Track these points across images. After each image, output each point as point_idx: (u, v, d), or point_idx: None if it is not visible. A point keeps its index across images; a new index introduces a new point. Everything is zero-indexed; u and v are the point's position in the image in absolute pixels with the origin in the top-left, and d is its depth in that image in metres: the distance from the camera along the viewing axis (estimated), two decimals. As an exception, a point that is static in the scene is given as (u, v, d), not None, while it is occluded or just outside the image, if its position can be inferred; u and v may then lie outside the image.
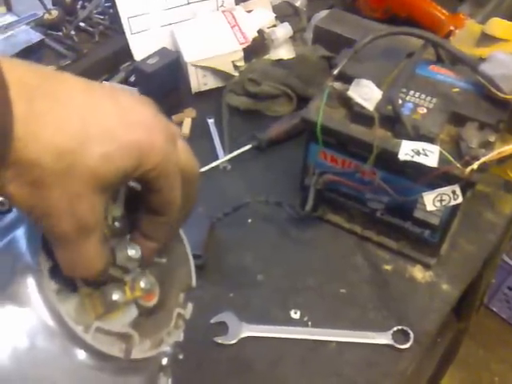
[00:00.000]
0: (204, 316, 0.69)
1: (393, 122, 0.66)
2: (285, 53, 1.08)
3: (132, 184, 0.37)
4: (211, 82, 1.04)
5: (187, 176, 0.35)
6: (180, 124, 0.97)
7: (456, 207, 0.68)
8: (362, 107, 0.68)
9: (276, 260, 0.78)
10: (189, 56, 1.01)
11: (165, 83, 0.96)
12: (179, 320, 0.40)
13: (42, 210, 0.29)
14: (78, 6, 1.17)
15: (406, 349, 0.68)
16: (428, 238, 0.74)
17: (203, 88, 1.04)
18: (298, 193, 0.81)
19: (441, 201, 0.64)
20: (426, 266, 0.77)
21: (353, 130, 0.69)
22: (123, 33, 1.05)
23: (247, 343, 0.69)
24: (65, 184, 0.29)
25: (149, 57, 0.96)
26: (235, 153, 0.91)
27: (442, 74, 0.73)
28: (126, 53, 1.06)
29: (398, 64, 0.74)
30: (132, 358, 0.35)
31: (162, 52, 0.98)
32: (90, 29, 1.14)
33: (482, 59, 0.70)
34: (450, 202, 0.64)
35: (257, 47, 1.05)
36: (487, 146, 0.63)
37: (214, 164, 0.89)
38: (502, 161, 0.65)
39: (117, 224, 0.37)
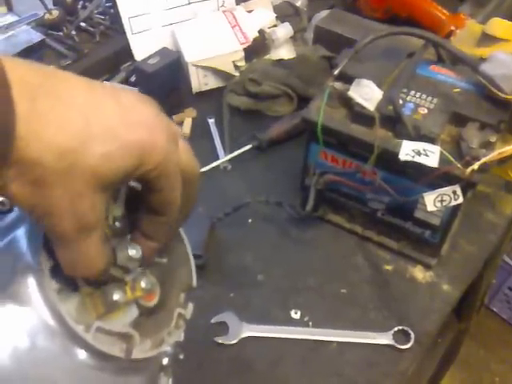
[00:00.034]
0: (204, 316, 0.69)
1: (393, 122, 0.66)
2: (285, 53, 1.08)
3: (132, 184, 0.37)
4: (212, 82, 1.04)
5: (188, 176, 0.35)
6: (180, 124, 0.97)
7: (457, 207, 0.68)
8: (363, 107, 0.68)
9: (276, 260, 0.78)
10: (189, 56, 1.01)
11: (165, 83, 0.96)
12: (180, 320, 0.40)
13: (43, 209, 0.29)
14: (79, 6, 1.17)
15: (406, 349, 0.68)
16: (429, 238, 0.74)
17: (204, 88, 1.04)
18: (298, 193, 0.81)
19: (441, 201, 0.64)
20: (427, 267, 0.76)
21: (353, 130, 0.69)
22: (124, 33, 1.05)
23: (248, 343, 0.69)
24: (66, 183, 0.29)
25: (149, 57, 0.96)
26: (236, 153, 0.91)
27: (443, 74, 0.73)
28: (126, 53, 1.06)
29: (398, 64, 0.74)
30: (133, 357, 0.35)
31: (163, 52, 0.98)
32: (91, 29, 1.14)
33: (482, 59, 0.70)
34: (450, 202, 0.64)
35: (257, 47, 1.05)
36: (488, 146, 0.63)
37: (214, 164, 0.89)
38: (503, 161, 0.65)
39: (117, 224, 0.37)
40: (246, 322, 0.70)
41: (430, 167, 0.62)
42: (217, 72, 1.03)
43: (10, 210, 0.29)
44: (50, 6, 1.15)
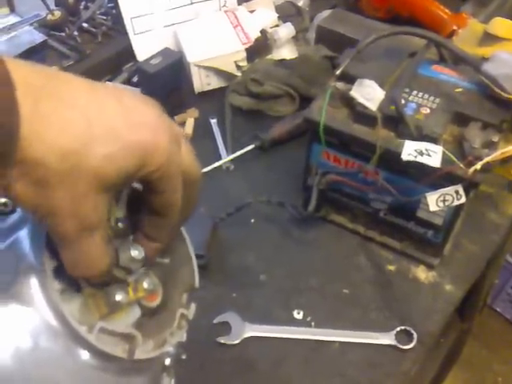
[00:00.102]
0: (207, 316, 0.69)
1: (396, 122, 0.66)
2: (287, 53, 1.08)
3: (134, 185, 0.37)
4: (214, 82, 1.04)
5: (189, 178, 0.35)
6: (183, 124, 0.97)
7: (459, 207, 0.68)
8: (365, 107, 0.68)
9: (279, 260, 0.78)
10: (192, 56, 1.01)
11: (168, 83, 0.96)
12: (182, 320, 0.41)
13: (46, 209, 0.29)
14: (81, 7, 1.17)
15: (409, 349, 0.68)
16: (431, 238, 0.74)
17: (206, 88, 1.04)
18: (300, 193, 0.81)
19: (444, 201, 0.64)
20: (430, 267, 0.76)
21: (356, 130, 0.69)
22: (126, 33, 1.05)
23: (250, 343, 0.69)
24: (69, 184, 0.29)
25: (152, 57, 0.97)
26: (238, 153, 0.91)
27: (445, 74, 0.72)
28: (128, 53, 1.06)
29: (400, 64, 0.73)
30: (135, 358, 0.35)
31: (165, 52, 0.98)
32: (93, 29, 1.14)
33: (484, 59, 0.70)
34: (453, 202, 0.64)
35: (259, 47, 1.05)
36: (490, 146, 0.63)
37: (216, 164, 0.89)
38: (506, 161, 0.65)
39: (120, 225, 0.37)
40: (248, 322, 0.70)
41: (432, 167, 0.62)
42: (219, 72, 1.03)
43: (12, 211, 0.29)
44: (52, 6, 1.15)
